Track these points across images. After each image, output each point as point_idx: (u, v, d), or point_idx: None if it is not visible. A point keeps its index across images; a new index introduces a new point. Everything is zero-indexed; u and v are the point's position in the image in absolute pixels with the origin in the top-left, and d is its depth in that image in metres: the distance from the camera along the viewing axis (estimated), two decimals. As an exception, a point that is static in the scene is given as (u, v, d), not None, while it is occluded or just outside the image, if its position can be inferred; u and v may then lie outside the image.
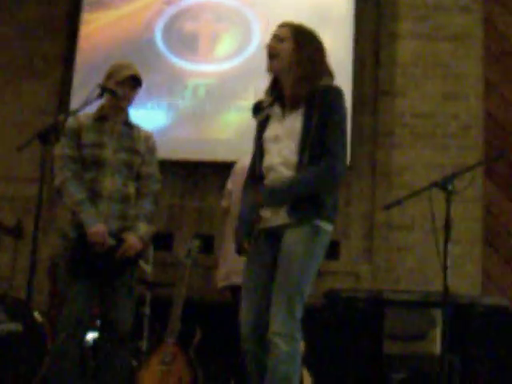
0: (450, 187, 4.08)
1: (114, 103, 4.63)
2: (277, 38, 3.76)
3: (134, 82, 4.63)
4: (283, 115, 3.74)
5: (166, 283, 6.05)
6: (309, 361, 5.28)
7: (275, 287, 3.53)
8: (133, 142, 4.67)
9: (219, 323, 5.54)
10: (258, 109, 3.86)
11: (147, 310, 5.95)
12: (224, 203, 4.75)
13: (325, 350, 5.40)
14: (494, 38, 7.27)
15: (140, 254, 4.61)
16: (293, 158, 3.62)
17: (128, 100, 4.66)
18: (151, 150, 4.76)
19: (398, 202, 4.28)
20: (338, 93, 3.69)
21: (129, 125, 4.71)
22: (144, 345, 5.82)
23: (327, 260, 5.72)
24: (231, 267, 4.52)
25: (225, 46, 7.29)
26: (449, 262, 3.85)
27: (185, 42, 7.26)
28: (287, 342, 3.46)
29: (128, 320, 4.55)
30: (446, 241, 3.91)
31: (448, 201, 4.04)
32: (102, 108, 4.69)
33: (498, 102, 7.21)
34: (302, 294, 3.52)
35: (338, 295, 5.39)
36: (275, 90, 3.81)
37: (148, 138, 4.77)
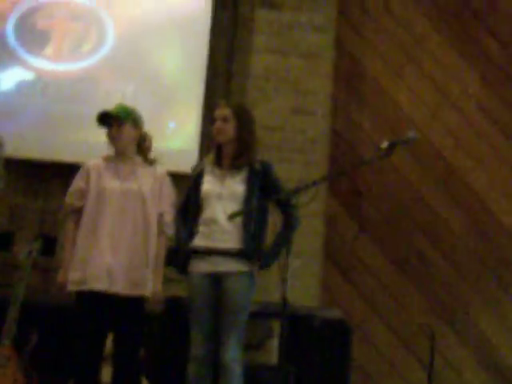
0: (293, 201, 4.18)
1: None
2: (222, 118, 4.61)
3: None
4: (224, 177, 4.56)
5: (4, 284, 5.96)
6: (148, 368, 5.32)
7: (226, 323, 4.37)
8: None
9: (57, 326, 5.59)
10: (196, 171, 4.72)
11: (-18, 311, 5.81)
12: (76, 202, 4.65)
13: (164, 357, 5.40)
14: (343, 58, 7.46)
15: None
16: None
17: None
18: (-4, 146, 4.63)
19: (240, 213, 4.32)
20: (273, 167, 4.65)
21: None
22: (-22, 347, 5.71)
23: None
24: (92, 272, 4.45)
25: (77, 46, 7.12)
26: (289, 275, 3.89)
27: (37, 38, 7.06)
28: (240, 366, 4.34)
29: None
30: (287, 253, 3.98)
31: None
32: None
33: (344, 120, 7.38)
34: (244, 328, 4.40)
35: (180, 302, 5.39)
36: (216, 154, 4.67)
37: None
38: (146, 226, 4.58)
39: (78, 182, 4.69)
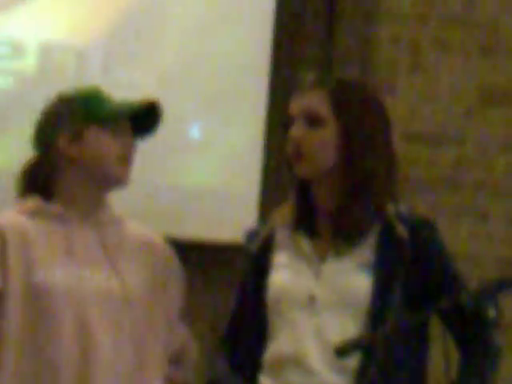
0: (491, 313, 3.24)
1: None
2: (306, 117, 3.68)
3: None
4: (321, 257, 3.74)
5: None
6: None
7: None
8: None
9: None
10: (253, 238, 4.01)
11: None
12: None
13: None
14: None
15: None
16: None
17: None
18: None
19: (364, 342, 3.45)
20: (437, 231, 3.73)
21: None
22: None
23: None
24: None
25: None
26: None
27: None
28: None
29: None
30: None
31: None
32: None
33: None
34: None
35: None
36: (301, 205, 3.87)
37: None
38: (139, 361, 3.93)
39: None
